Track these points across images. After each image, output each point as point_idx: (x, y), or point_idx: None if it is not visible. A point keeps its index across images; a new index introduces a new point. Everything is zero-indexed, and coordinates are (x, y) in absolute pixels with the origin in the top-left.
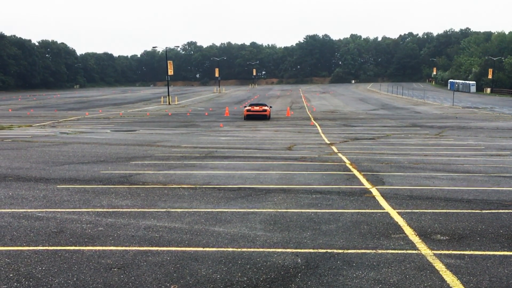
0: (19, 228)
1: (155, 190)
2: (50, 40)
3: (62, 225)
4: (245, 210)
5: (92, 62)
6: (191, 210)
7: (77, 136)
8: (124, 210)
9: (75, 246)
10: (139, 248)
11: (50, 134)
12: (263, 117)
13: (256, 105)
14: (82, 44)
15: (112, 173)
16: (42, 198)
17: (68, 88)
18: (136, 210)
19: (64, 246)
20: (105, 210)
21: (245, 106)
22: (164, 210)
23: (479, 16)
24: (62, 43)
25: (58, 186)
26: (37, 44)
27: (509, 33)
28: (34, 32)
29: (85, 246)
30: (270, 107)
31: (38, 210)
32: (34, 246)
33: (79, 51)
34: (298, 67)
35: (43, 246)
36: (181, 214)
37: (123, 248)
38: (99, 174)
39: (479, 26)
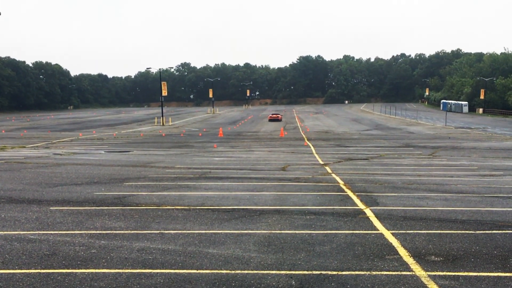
0: (11, 251)
1: (148, 211)
2: (44, 61)
3: (55, 248)
4: (239, 231)
5: (86, 83)
6: (185, 231)
7: (70, 157)
8: (117, 232)
9: (68, 269)
10: (132, 271)
11: (43, 155)
12: (278, 120)
13: (274, 114)
14: (77, 65)
15: (106, 194)
16: (35, 220)
17: (62, 109)
18: (129, 232)
19: (57, 269)
20: (98, 232)
21: (269, 114)
22: (158, 232)
23: (470, 37)
24: (57, 65)
25: (51, 208)
26: (31, 65)
27: (501, 53)
28: (28, 53)
29: (78, 269)
30: (282, 115)
31: (31, 232)
32: (26, 269)
33: (74, 72)
34: (292, 87)
35: (35, 269)
36: (175, 235)
37: (116, 270)
38: (93, 195)
39: (470, 47)
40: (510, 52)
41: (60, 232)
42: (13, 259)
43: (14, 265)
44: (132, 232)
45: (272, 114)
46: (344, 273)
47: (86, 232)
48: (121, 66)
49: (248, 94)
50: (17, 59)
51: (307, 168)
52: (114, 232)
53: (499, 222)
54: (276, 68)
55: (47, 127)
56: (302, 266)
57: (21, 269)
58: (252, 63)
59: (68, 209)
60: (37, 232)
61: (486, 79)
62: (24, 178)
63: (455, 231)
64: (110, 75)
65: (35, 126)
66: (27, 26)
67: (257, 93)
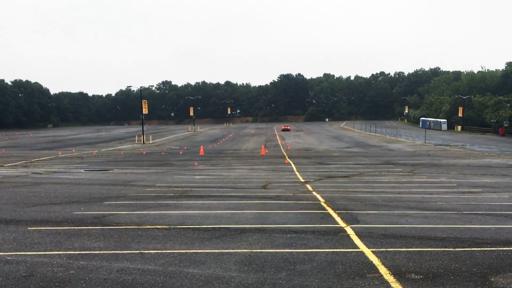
0: None
1: (128, 231)
2: (24, 80)
3: (33, 269)
4: (219, 250)
5: (66, 102)
6: (165, 251)
7: (49, 176)
8: (96, 252)
9: None
10: None
11: (21, 174)
12: (288, 130)
13: (286, 126)
14: (57, 83)
15: (85, 214)
16: (12, 241)
17: (42, 127)
18: (108, 252)
19: None
20: (77, 252)
21: (282, 127)
22: (138, 251)
23: (448, 56)
24: (36, 83)
25: (29, 228)
26: (10, 83)
27: (478, 72)
28: (7, 71)
29: None
30: (290, 127)
31: (8, 253)
32: None
33: (54, 91)
34: (273, 105)
35: None
36: (155, 255)
37: None
38: (72, 215)
39: (448, 66)
40: (487, 71)
41: (38, 252)
42: None
43: None
44: (112, 252)
45: (284, 126)
46: None
47: (64, 252)
48: (101, 84)
49: (229, 112)
50: None
51: (288, 186)
52: (93, 252)
53: (478, 239)
54: (257, 86)
55: (26, 145)
56: (283, 285)
57: None
58: (233, 81)
59: (46, 229)
60: (14, 253)
61: (464, 97)
62: (1, 198)
63: (435, 249)
64: (90, 93)
65: (13, 145)
66: (6, 44)
67: (238, 111)
